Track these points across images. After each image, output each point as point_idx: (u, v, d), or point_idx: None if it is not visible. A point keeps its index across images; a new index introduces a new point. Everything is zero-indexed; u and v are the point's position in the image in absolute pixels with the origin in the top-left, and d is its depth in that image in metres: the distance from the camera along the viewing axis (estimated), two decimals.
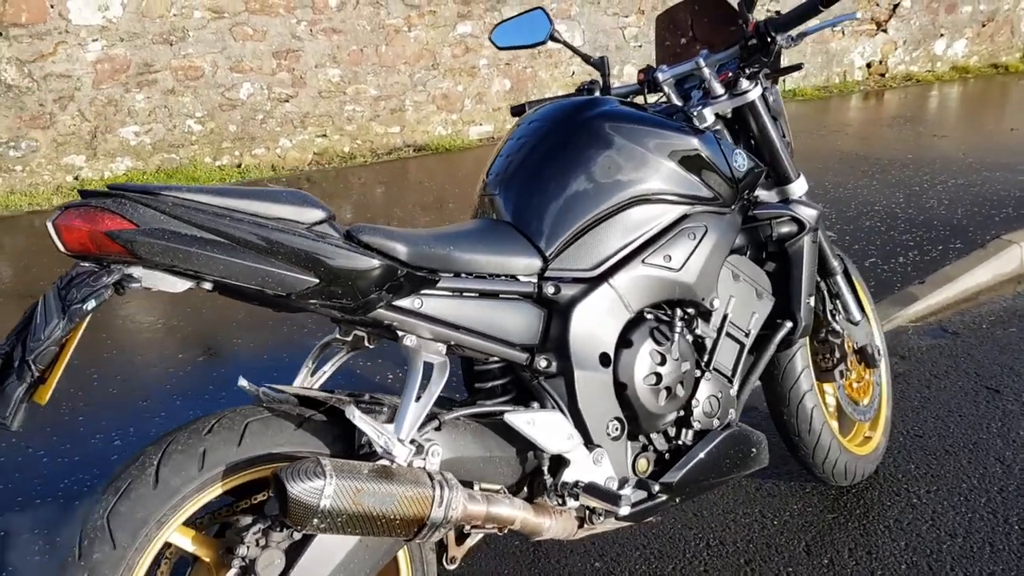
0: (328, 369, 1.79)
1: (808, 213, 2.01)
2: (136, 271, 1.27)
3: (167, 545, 1.45)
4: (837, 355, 2.22)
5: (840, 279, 2.24)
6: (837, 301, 2.25)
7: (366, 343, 1.73)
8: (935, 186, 5.13)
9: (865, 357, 2.32)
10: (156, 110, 5.83)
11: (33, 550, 2.20)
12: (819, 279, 2.19)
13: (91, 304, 1.23)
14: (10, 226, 5.13)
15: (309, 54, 6.23)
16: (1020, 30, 9.81)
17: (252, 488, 1.50)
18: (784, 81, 8.00)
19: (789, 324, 2.01)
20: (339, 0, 6.22)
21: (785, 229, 2.01)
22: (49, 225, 1.27)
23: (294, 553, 1.40)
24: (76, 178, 5.70)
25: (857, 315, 2.26)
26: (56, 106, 5.53)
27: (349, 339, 1.73)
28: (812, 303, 2.05)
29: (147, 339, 3.51)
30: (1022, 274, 3.99)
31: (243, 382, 1.67)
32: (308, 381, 1.77)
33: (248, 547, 1.38)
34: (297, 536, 1.40)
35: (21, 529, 2.29)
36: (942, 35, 9.34)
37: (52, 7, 5.38)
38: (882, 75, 9.10)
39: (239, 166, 6.14)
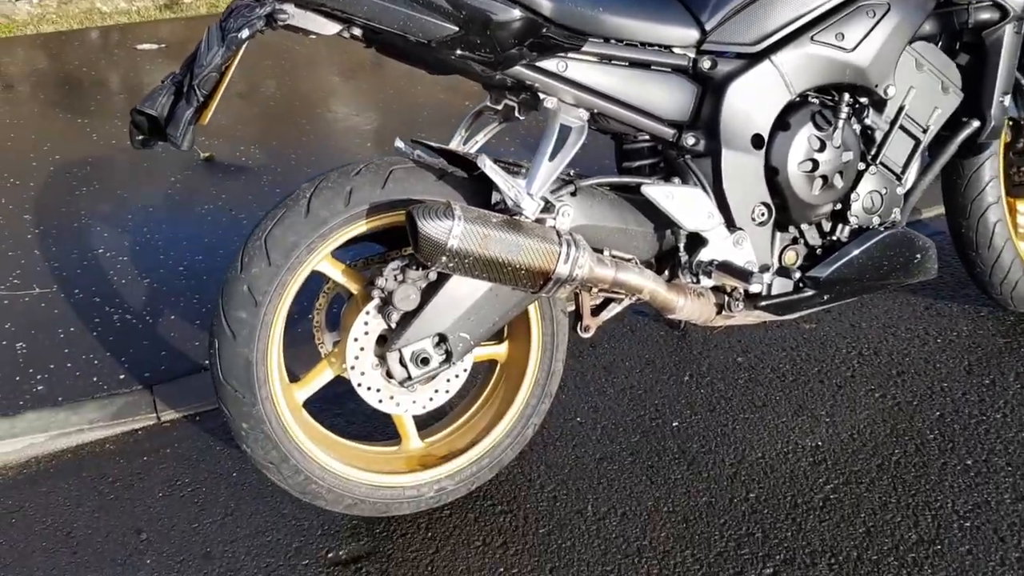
0: (480, 138, 1.83)
1: None
2: (288, 7, 1.35)
3: (324, 278, 1.60)
4: None
5: None
6: None
7: (516, 114, 1.74)
8: None
9: None
10: None
11: None
12: (1019, 77, 1.94)
13: (245, 33, 1.32)
14: None
15: None
16: None
17: (404, 240, 1.59)
18: None
19: (976, 123, 1.82)
20: None
21: (985, 15, 1.78)
22: None
23: (429, 292, 1.49)
24: None
25: None
26: None
27: (500, 108, 1.76)
28: (1007, 102, 1.84)
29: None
30: None
31: (399, 143, 1.75)
32: (460, 148, 1.82)
33: (387, 280, 1.49)
34: (432, 276, 1.50)
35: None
36: None
37: None
38: None
39: None
